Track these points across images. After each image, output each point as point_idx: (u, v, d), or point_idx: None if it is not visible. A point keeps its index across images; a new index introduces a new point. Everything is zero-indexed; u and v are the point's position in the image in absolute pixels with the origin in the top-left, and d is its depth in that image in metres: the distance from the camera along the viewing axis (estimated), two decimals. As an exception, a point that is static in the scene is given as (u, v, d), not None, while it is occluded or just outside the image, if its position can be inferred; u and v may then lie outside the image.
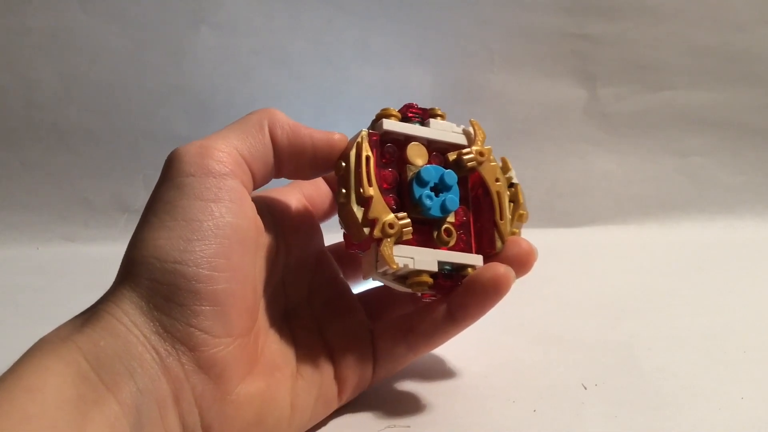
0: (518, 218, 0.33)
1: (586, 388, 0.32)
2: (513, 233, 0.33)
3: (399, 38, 0.62)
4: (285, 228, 0.31)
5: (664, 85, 0.62)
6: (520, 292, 0.30)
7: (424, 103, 0.32)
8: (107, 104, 0.63)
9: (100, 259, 0.59)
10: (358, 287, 0.35)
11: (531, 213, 0.35)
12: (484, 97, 0.62)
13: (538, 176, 0.63)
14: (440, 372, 0.34)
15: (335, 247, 0.35)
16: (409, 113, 0.31)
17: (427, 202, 0.29)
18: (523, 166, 0.60)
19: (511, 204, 0.33)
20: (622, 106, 0.62)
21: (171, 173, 0.26)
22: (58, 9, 0.61)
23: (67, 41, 0.62)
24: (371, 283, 0.32)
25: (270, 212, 0.30)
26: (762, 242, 0.56)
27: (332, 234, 0.35)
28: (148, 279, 0.24)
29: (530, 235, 0.36)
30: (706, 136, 0.62)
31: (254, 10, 0.62)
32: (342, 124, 0.63)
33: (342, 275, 0.34)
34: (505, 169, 0.34)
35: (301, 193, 0.33)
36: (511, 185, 0.33)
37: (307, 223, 0.32)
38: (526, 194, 0.34)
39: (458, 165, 0.31)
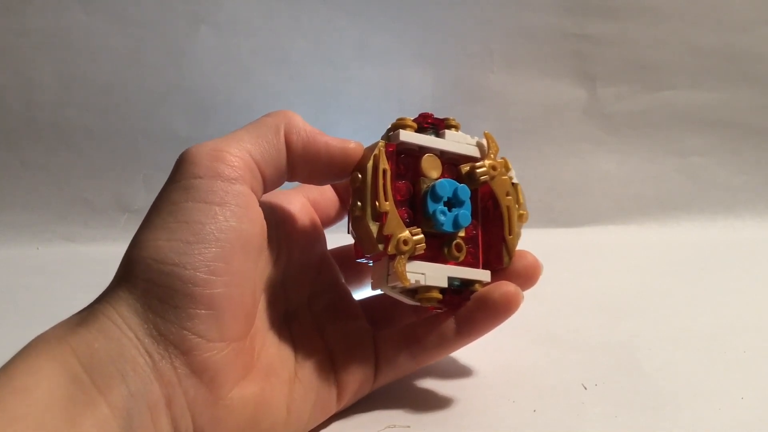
0: (518, 218, 0.33)
1: (586, 388, 0.32)
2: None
3: (399, 38, 0.62)
4: (287, 232, 0.31)
5: (664, 85, 0.62)
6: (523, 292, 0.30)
7: (423, 104, 0.32)
8: (107, 104, 0.63)
9: (100, 259, 0.58)
10: (360, 293, 0.35)
11: (531, 213, 0.35)
12: (484, 97, 0.62)
13: (538, 176, 0.63)
14: (440, 372, 0.34)
15: (337, 252, 0.35)
16: (425, 123, 0.31)
17: (441, 217, 0.29)
18: (523, 166, 0.60)
19: (516, 204, 0.33)
20: (622, 106, 0.62)
21: (180, 174, 0.26)
22: (58, 9, 0.61)
23: (67, 41, 0.62)
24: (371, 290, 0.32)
25: (273, 215, 0.30)
26: (762, 242, 0.56)
27: (336, 236, 0.35)
28: (144, 280, 0.24)
29: (530, 235, 0.36)
30: (706, 136, 0.62)
31: (254, 10, 0.62)
32: (342, 124, 0.63)
33: (343, 280, 0.34)
34: (504, 169, 0.34)
35: (305, 198, 0.33)
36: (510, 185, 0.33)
37: (309, 227, 0.32)
38: (526, 194, 0.34)
39: (471, 178, 0.31)
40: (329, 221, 0.34)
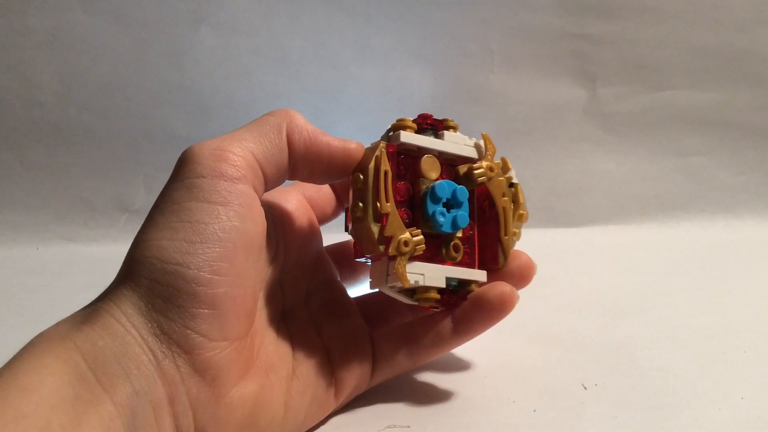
0: (518, 218, 0.33)
1: (586, 388, 0.32)
2: (513, 233, 0.33)
3: (399, 38, 0.62)
4: (284, 229, 0.31)
5: (664, 85, 0.62)
6: (520, 292, 0.30)
7: (423, 104, 0.32)
8: (107, 104, 0.63)
9: (100, 259, 0.59)
10: (354, 290, 0.35)
11: (531, 213, 0.35)
12: (484, 97, 0.62)
13: (538, 176, 0.63)
14: (440, 372, 0.34)
15: (332, 249, 0.35)
16: (424, 124, 0.31)
17: (440, 219, 0.29)
18: (523, 166, 0.60)
19: (511, 204, 0.33)
20: (622, 106, 0.63)
21: (183, 173, 0.26)
22: (58, 9, 0.61)
23: (67, 41, 0.62)
24: (367, 288, 0.32)
25: (270, 213, 0.30)
26: (762, 242, 0.56)
27: (332, 234, 0.35)
28: (148, 279, 0.24)
29: (530, 235, 0.36)
30: (706, 136, 0.62)
31: (254, 10, 0.62)
32: (342, 124, 0.63)
33: (339, 278, 0.34)
34: (505, 169, 0.34)
35: (301, 194, 0.33)
36: (511, 185, 0.33)
37: (306, 224, 0.32)
38: (526, 194, 0.34)
39: (468, 179, 0.31)
40: (325, 218, 0.34)
